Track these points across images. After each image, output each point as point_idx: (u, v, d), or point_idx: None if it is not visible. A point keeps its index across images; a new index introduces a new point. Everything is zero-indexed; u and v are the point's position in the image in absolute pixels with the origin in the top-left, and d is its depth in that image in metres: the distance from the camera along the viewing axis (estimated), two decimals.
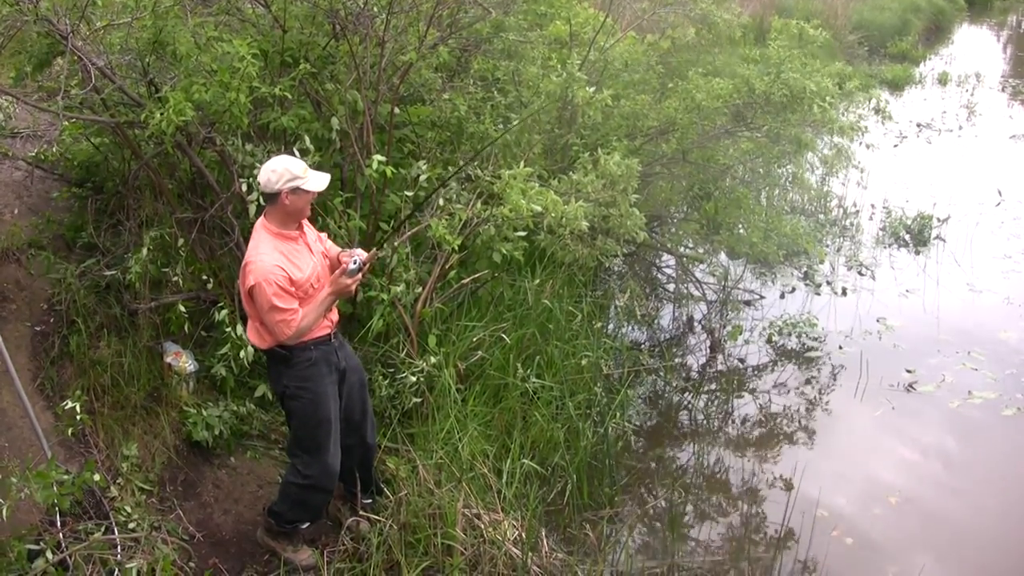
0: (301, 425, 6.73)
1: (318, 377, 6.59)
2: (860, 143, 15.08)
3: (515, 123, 9.36)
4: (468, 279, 8.84)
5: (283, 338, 6.36)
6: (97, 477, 6.60)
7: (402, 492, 7.27)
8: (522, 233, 8.28)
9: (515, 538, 7.03)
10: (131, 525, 6.76)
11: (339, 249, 6.89)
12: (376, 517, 7.18)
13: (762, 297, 12.77)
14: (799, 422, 10.08)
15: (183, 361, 8.02)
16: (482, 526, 7.00)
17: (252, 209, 7.43)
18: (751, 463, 9.35)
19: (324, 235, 6.96)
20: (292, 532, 7.04)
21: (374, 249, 7.03)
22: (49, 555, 6.08)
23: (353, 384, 6.96)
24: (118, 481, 7.13)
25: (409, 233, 8.13)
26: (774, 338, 11.69)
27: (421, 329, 8.41)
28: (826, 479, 8.95)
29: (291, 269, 6.27)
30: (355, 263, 6.35)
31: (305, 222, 6.60)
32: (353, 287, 6.48)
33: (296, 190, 6.22)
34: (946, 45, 34.14)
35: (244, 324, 7.12)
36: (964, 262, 14.00)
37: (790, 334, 11.70)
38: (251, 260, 6.24)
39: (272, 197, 6.27)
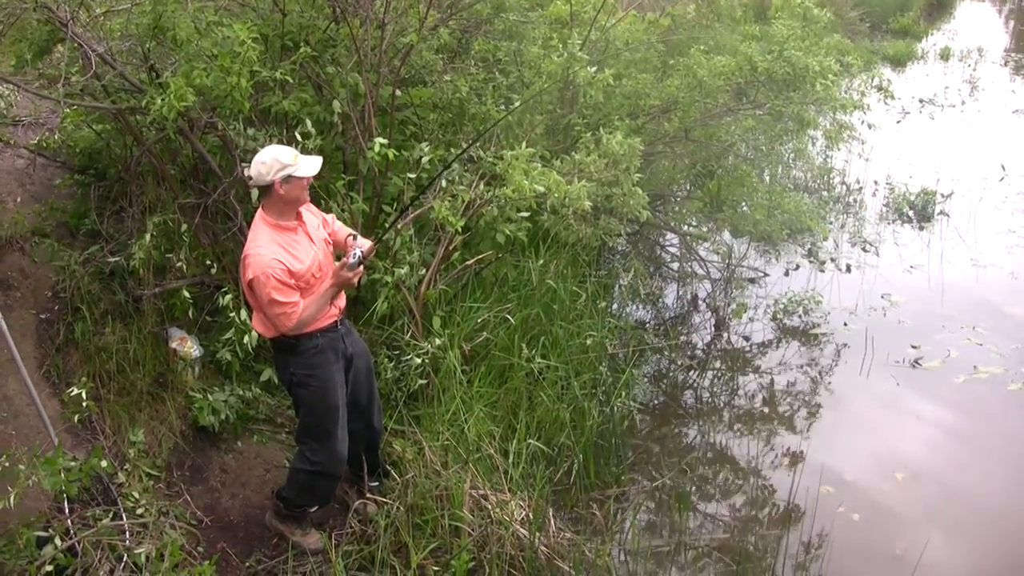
0: (309, 413, 6.73)
1: (325, 364, 6.60)
2: (863, 122, 15.06)
3: (517, 104, 9.34)
4: (472, 260, 8.83)
5: (284, 330, 6.37)
6: (104, 463, 6.60)
7: (409, 474, 7.29)
8: (525, 214, 8.30)
9: (522, 518, 7.04)
10: (139, 511, 6.77)
11: (348, 231, 6.88)
12: (383, 499, 7.21)
13: (766, 275, 12.76)
14: (804, 399, 10.08)
15: (188, 346, 8.03)
16: (489, 507, 7.02)
17: (255, 194, 7.42)
18: (757, 441, 9.36)
19: (332, 216, 6.95)
20: (300, 515, 7.06)
21: (372, 241, 7.01)
22: (58, 542, 6.08)
23: (360, 369, 6.97)
24: (125, 467, 7.15)
25: (412, 216, 8.13)
26: (779, 316, 11.69)
27: (425, 311, 8.42)
28: (832, 456, 8.97)
29: (290, 261, 6.25)
30: (355, 256, 6.34)
31: (306, 209, 6.59)
32: (355, 279, 6.48)
33: (288, 178, 6.20)
34: (948, 20, 34.04)
35: (248, 310, 7.12)
36: (968, 237, 13.98)
37: (795, 311, 11.70)
38: (249, 253, 6.23)
39: (266, 189, 6.26)
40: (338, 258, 6.56)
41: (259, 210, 6.44)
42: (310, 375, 6.58)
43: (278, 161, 6.17)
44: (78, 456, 6.67)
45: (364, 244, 6.61)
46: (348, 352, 6.82)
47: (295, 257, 6.32)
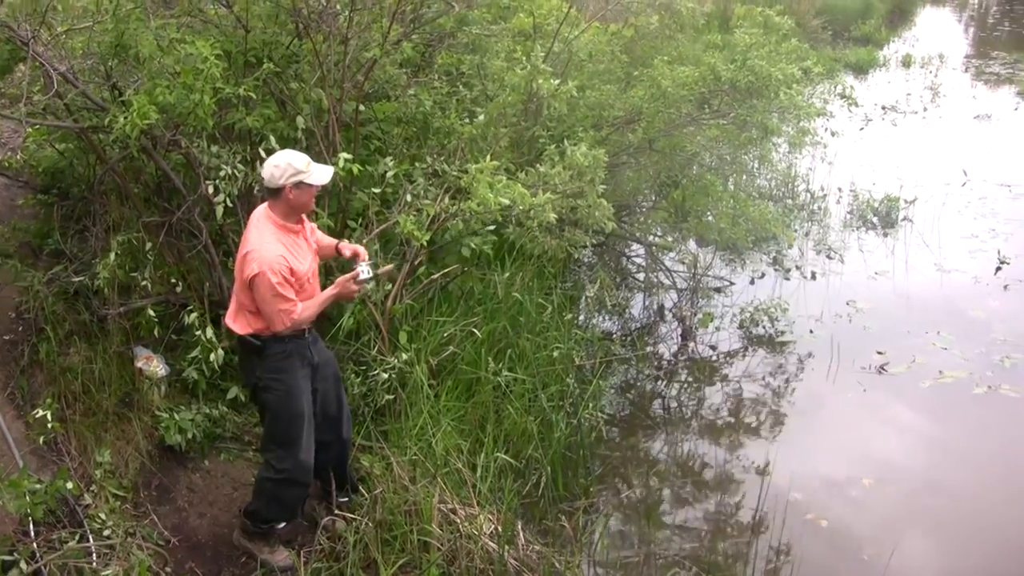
0: (275, 418, 6.72)
1: (292, 370, 6.60)
2: (826, 128, 15.13)
3: (481, 117, 9.35)
4: (438, 274, 8.83)
5: (279, 328, 6.40)
6: (70, 485, 6.56)
7: (377, 489, 7.27)
8: (491, 227, 8.31)
9: (491, 532, 7.03)
10: (106, 532, 6.72)
11: (330, 240, 6.90)
12: (352, 515, 7.18)
13: (732, 283, 12.83)
14: (772, 407, 10.12)
15: (154, 365, 8.00)
16: (458, 521, 7.00)
17: (219, 211, 7.43)
18: (725, 449, 9.40)
19: (314, 226, 6.98)
20: (268, 532, 7.02)
21: (391, 265, 7.03)
22: (23, 566, 6.04)
23: (328, 378, 6.97)
24: (92, 488, 7.10)
25: (378, 230, 8.12)
26: (745, 324, 11.73)
27: (392, 326, 8.41)
28: (800, 463, 9.01)
29: (293, 261, 6.34)
30: (366, 272, 6.42)
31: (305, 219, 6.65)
32: (357, 294, 6.54)
33: (300, 184, 6.28)
34: (909, 28, 34.37)
35: (215, 326, 7.11)
36: (932, 243, 14.09)
37: (761, 320, 11.73)
38: (254, 248, 6.26)
39: (276, 192, 6.33)
40: (330, 266, 6.59)
41: (263, 208, 6.49)
42: (276, 379, 6.58)
43: (292, 166, 6.24)
44: (43, 478, 6.63)
45: (363, 251, 6.72)
46: (315, 360, 6.80)
47: (297, 258, 6.40)
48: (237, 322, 6.58)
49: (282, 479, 6.76)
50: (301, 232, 6.56)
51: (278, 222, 6.40)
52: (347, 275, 6.49)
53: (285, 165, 6.24)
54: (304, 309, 6.41)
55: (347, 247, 6.84)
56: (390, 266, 7.00)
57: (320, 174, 6.38)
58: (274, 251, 6.24)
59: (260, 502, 6.94)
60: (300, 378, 6.66)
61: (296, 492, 6.93)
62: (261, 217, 6.45)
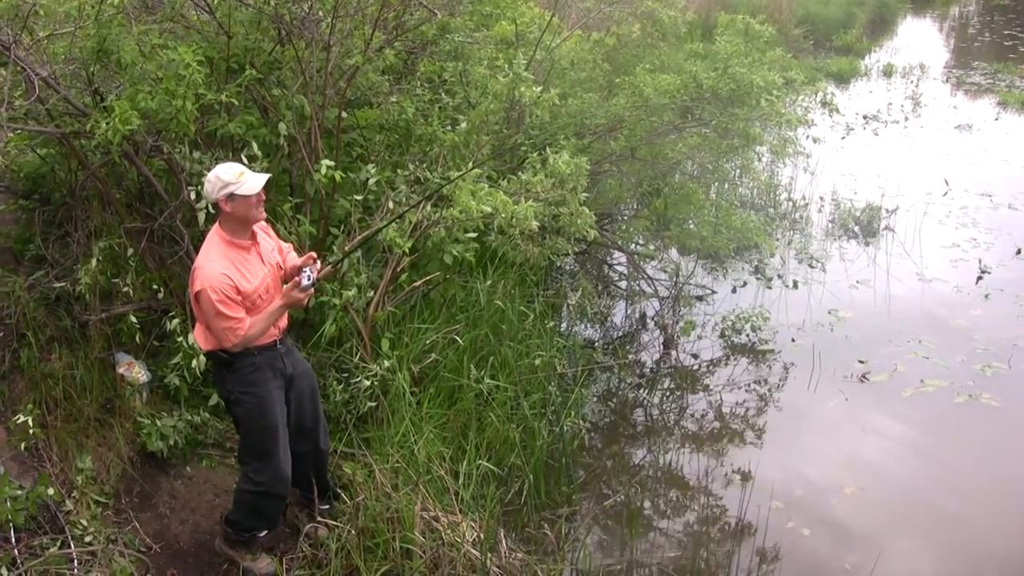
0: (248, 431, 6.71)
1: (262, 382, 6.57)
2: (807, 136, 15.17)
3: (463, 124, 9.34)
4: (420, 281, 8.82)
5: (228, 345, 6.35)
6: (51, 491, 6.56)
7: (359, 497, 7.25)
8: (473, 234, 8.29)
9: (474, 539, 7.02)
10: (87, 539, 6.71)
11: (300, 262, 6.88)
12: (334, 523, 7.17)
13: (714, 292, 12.84)
14: (753, 415, 10.14)
15: (136, 371, 7.97)
16: (440, 528, 6.99)
17: (201, 217, 7.40)
18: (707, 457, 9.40)
19: (289, 247, 6.94)
20: (250, 540, 7.01)
21: (329, 266, 7.00)
22: (4, 572, 6.03)
23: (303, 390, 6.94)
24: (73, 495, 7.07)
25: (360, 237, 8.11)
26: (727, 333, 11.75)
27: (374, 333, 8.40)
28: (782, 471, 9.04)
29: (239, 279, 6.25)
30: (308, 278, 6.33)
31: (263, 232, 6.62)
32: (305, 300, 6.47)
33: (232, 196, 6.19)
34: (890, 37, 34.50)
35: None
36: (913, 252, 14.12)
37: (742, 328, 11.77)
38: (199, 265, 6.22)
39: (216, 207, 6.28)
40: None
41: (215, 224, 6.42)
42: (246, 392, 6.56)
43: (220, 179, 6.16)
44: (25, 484, 6.62)
45: (316, 265, 6.58)
46: (288, 372, 6.77)
47: (244, 276, 6.31)
48: (202, 339, 6.57)
49: (261, 492, 6.75)
50: (253, 248, 6.47)
51: (226, 238, 6.34)
52: (290, 284, 6.45)
53: (215, 179, 6.17)
54: (252, 325, 6.34)
55: (298, 261, 6.76)
56: (328, 267, 6.94)
57: (252, 183, 6.25)
58: (217, 269, 6.18)
59: (240, 512, 6.93)
60: (272, 390, 6.63)
61: (275, 503, 6.94)
62: (212, 234, 6.41)
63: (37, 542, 6.60)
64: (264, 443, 6.64)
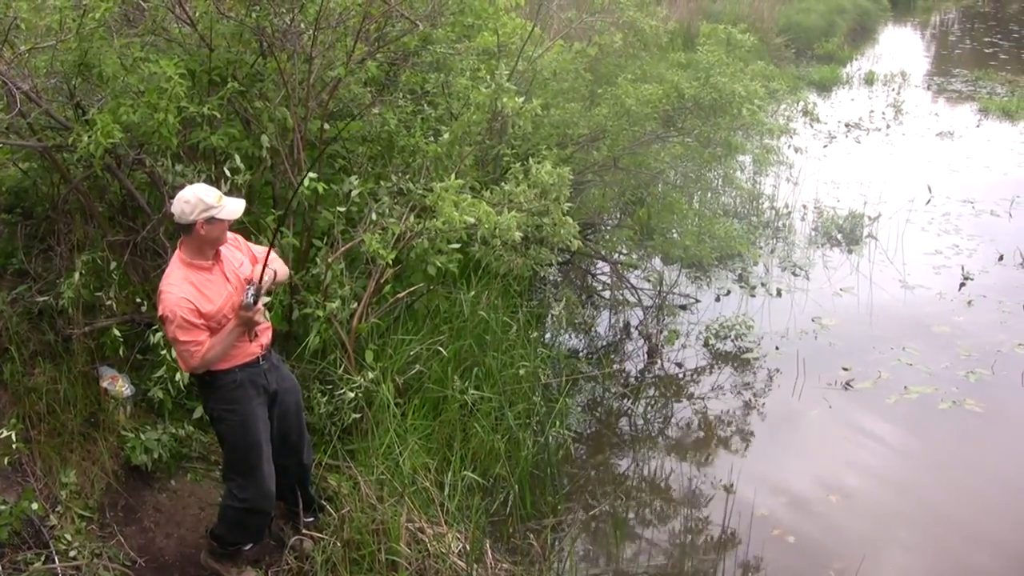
0: (232, 449, 6.70)
1: (245, 400, 6.55)
2: (789, 146, 15.21)
3: (445, 135, 9.35)
4: (403, 293, 8.82)
5: (189, 368, 6.37)
6: (35, 506, 6.55)
7: (345, 509, 7.24)
8: (456, 245, 8.30)
9: (459, 550, 7.02)
10: (72, 553, 6.70)
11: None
12: (319, 535, 7.16)
13: (697, 301, 12.86)
14: (738, 424, 10.15)
15: (120, 385, 7.95)
16: (426, 540, 6.99)
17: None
18: (691, 466, 9.42)
19: (264, 250, 6.71)
20: (235, 553, 7.00)
21: (267, 278, 6.80)
22: None
23: (288, 405, 6.91)
24: (57, 509, 7.05)
25: (343, 249, 8.11)
26: (711, 341, 11.77)
27: (358, 344, 8.39)
28: (767, 479, 9.05)
29: (200, 301, 6.20)
30: (249, 296, 6.27)
31: (231, 246, 6.57)
32: (257, 316, 6.41)
33: (212, 220, 6.14)
34: (872, 45, 34.58)
35: None
36: (896, 259, 14.16)
37: (727, 337, 11.79)
38: (162, 290, 6.20)
39: (187, 228, 6.17)
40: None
41: (178, 247, 6.38)
42: (229, 410, 6.54)
43: (202, 202, 6.09)
44: (8, 499, 6.61)
45: (255, 279, 6.48)
46: (272, 388, 6.74)
47: (206, 297, 6.26)
48: (180, 360, 6.54)
49: (245, 508, 6.74)
50: (215, 267, 6.40)
51: (186, 260, 6.28)
52: (238, 304, 6.42)
53: (196, 200, 6.10)
54: (210, 347, 6.27)
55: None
56: (267, 279, 6.79)
57: (232, 208, 6.24)
58: (177, 293, 6.14)
59: (225, 527, 6.92)
60: (255, 407, 6.61)
61: (260, 519, 6.93)
62: (174, 256, 6.36)
63: (21, 557, 6.58)
64: (248, 460, 6.63)
